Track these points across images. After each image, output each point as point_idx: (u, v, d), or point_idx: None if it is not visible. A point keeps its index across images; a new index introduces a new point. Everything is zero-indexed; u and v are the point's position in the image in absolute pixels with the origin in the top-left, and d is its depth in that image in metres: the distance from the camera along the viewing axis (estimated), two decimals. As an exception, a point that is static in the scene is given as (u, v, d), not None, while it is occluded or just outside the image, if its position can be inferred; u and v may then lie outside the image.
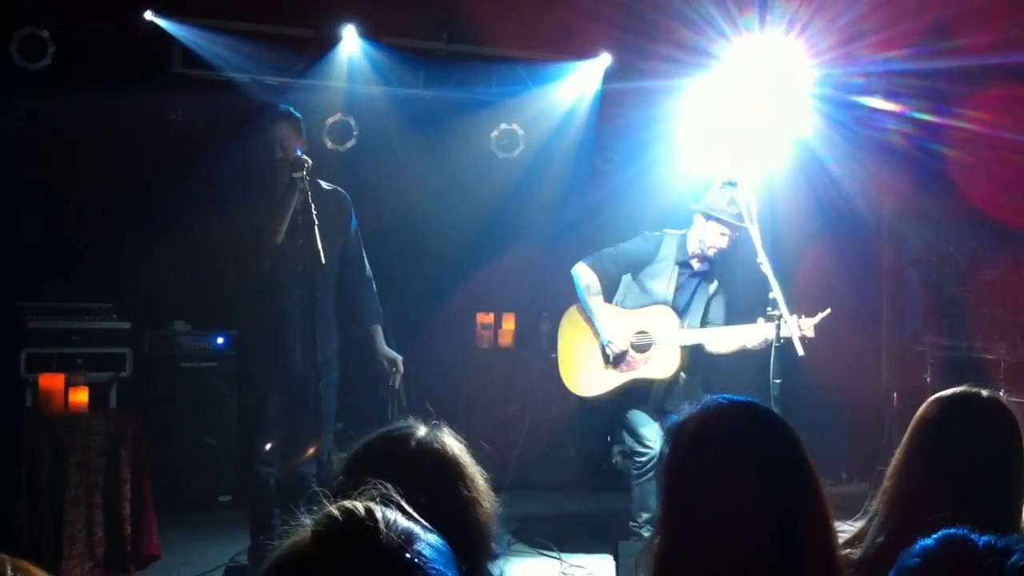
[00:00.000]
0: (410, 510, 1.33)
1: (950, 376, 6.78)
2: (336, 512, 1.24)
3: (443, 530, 1.38)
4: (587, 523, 6.96)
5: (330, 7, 7.11)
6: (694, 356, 5.74)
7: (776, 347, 5.10)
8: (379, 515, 1.24)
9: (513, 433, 7.64)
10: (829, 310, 5.26)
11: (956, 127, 6.50)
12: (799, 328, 5.14)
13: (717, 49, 6.97)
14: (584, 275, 5.81)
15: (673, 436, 1.97)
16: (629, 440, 5.82)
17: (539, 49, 7.73)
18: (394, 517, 1.25)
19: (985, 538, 1.51)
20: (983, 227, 6.54)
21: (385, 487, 1.39)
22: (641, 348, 5.72)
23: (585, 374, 5.83)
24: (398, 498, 1.37)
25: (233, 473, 6.85)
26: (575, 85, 7.90)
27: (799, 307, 5.32)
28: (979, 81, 6.31)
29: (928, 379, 6.78)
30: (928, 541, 1.57)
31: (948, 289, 7.00)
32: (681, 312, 5.73)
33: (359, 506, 1.25)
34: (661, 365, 5.69)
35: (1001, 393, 6.02)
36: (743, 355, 5.70)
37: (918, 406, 2.58)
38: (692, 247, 5.73)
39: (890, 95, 6.82)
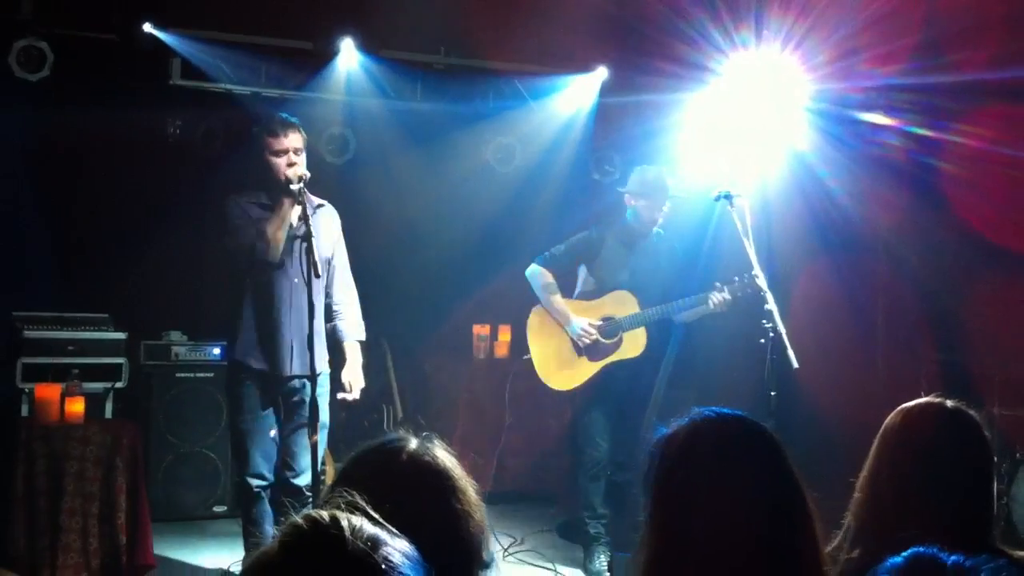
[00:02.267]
0: (377, 516, 1.32)
1: (946, 391, 6.75)
2: (301, 521, 1.24)
3: (434, 542, 1.39)
4: (582, 533, 6.95)
5: (328, 20, 7.13)
6: (661, 334, 6.14)
7: (771, 360, 5.14)
8: (344, 522, 1.24)
9: (508, 443, 7.64)
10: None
11: (952, 143, 6.51)
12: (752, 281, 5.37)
13: (714, 64, 6.99)
14: (540, 275, 6.13)
15: (662, 448, 1.98)
16: (581, 440, 6.12)
17: (536, 63, 7.76)
18: (360, 524, 1.25)
19: (954, 557, 1.52)
20: (978, 242, 6.54)
21: (351, 494, 1.40)
22: (609, 334, 6.01)
23: (562, 369, 6.06)
24: (364, 505, 1.37)
25: (229, 484, 6.86)
26: (572, 99, 7.93)
27: (795, 320, 5.35)
28: (975, 97, 6.32)
29: (923, 393, 6.75)
30: (897, 559, 1.57)
31: (943, 304, 6.99)
32: (640, 288, 6.04)
33: (324, 514, 1.25)
34: (631, 346, 6.01)
35: (995, 410, 6.03)
36: (736, 366, 5.78)
37: (923, 414, 2.57)
38: (632, 226, 6.12)
39: (886, 110, 6.83)
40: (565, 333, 6.04)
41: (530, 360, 6.14)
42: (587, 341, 5.98)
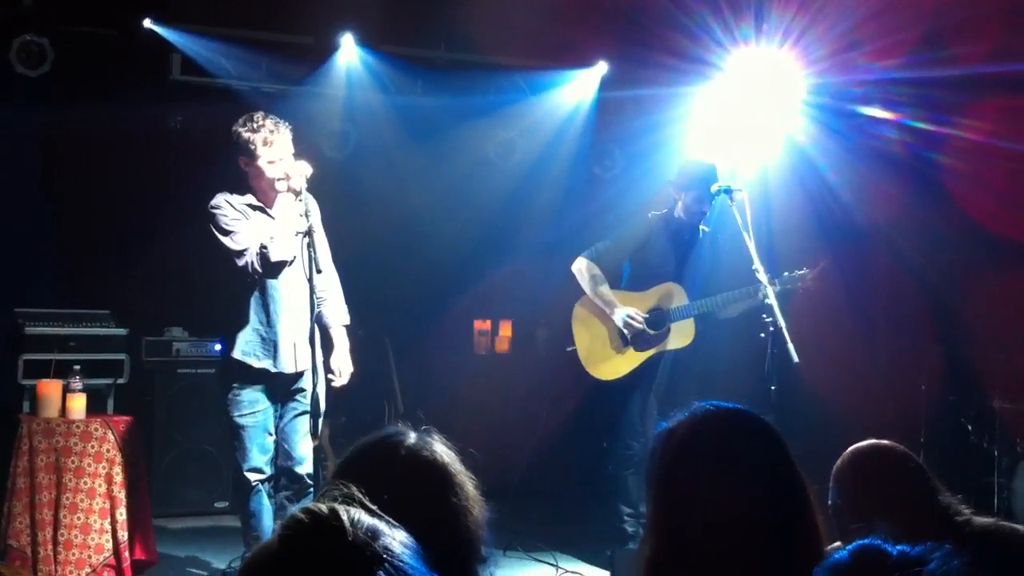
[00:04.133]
0: (373, 507, 1.35)
1: (946, 384, 6.78)
2: (301, 515, 1.26)
3: (432, 536, 1.39)
4: (584, 529, 6.96)
5: (329, 15, 7.13)
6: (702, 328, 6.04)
7: (771, 354, 5.17)
8: (343, 514, 1.26)
9: (510, 439, 7.64)
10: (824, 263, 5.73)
11: (952, 136, 6.51)
12: (804, 278, 5.62)
13: (714, 58, 7.00)
14: (587, 268, 6.06)
15: (663, 442, 1.99)
16: (624, 430, 6.05)
17: (536, 58, 7.76)
18: (358, 515, 1.27)
19: (899, 547, 1.52)
20: (979, 236, 6.54)
21: (347, 487, 1.41)
22: (657, 324, 5.97)
23: (608, 359, 6.03)
24: (360, 496, 1.39)
25: (231, 479, 6.86)
26: (572, 93, 7.94)
27: (795, 314, 5.36)
28: (975, 90, 6.32)
29: (924, 387, 6.78)
30: (842, 553, 1.57)
31: (944, 297, 6.99)
32: (685, 282, 6.01)
33: (323, 507, 1.27)
34: (678, 337, 5.98)
35: (996, 403, 6.05)
36: (737, 360, 5.82)
37: (915, 414, 2.80)
38: (678, 218, 6.05)
39: (886, 104, 6.84)
40: (611, 323, 5.99)
41: (574, 351, 6.10)
42: (634, 328, 5.93)
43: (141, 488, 5.60)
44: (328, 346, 5.25)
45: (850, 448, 2.79)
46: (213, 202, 5.02)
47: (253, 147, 4.95)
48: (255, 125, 4.96)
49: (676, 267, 6.05)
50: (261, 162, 4.95)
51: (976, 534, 2.46)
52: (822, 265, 5.69)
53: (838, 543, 2.52)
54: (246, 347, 5.07)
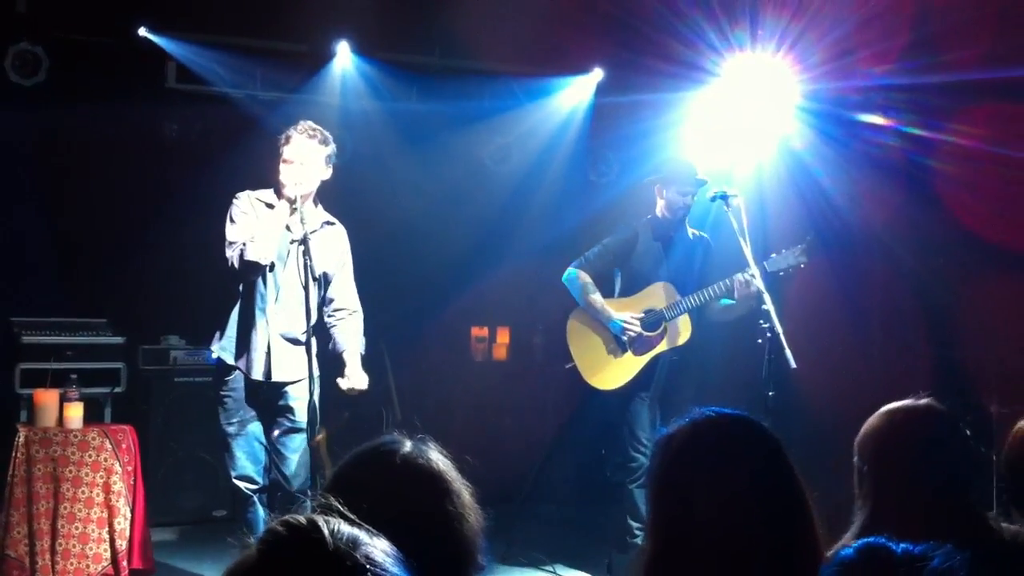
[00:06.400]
0: (353, 517, 1.33)
1: (942, 387, 6.77)
2: (279, 527, 1.24)
3: (429, 545, 1.39)
4: (582, 536, 6.96)
5: (324, 23, 7.13)
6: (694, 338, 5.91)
7: (769, 359, 5.16)
8: (322, 525, 1.24)
9: (507, 446, 7.65)
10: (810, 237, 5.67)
11: (946, 141, 6.53)
12: (795, 258, 5.56)
13: (709, 64, 7.01)
14: (577, 277, 5.98)
15: (662, 447, 2.00)
16: (626, 441, 5.88)
17: (532, 64, 7.77)
18: (337, 525, 1.25)
19: (903, 545, 1.54)
20: (973, 240, 6.55)
21: (325, 497, 1.40)
22: (652, 325, 5.88)
23: (608, 367, 5.93)
24: (340, 506, 1.38)
25: (228, 487, 6.84)
26: (568, 99, 7.95)
27: (792, 319, 5.36)
28: (968, 96, 6.33)
29: (921, 392, 6.77)
30: (847, 551, 1.60)
31: (939, 302, 7.00)
32: (677, 283, 5.91)
33: (301, 519, 1.25)
34: (675, 335, 5.87)
35: (993, 407, 6.06)
36: (734, 366, 5.80)
37: (911, 416, 2.66)
38: (662, 218, 5.97)
39: (881, 110, 6.85)
40: (607, 331, 5.90)
41: (574, 367, 5.98)
42: (631, 334, 5.84)
43: (138, 497, 5.60)
44: (341, 371, 5.17)
45: (886, 407, 2.64)
46: (238, 193, 5.09)
47: (279, 144, 5.04)
48: (291, 126, 5.05)
49: (667, 268, 5.96)
50: (279, 159, 5.01)
51: (1006, 541, 2.41)
52: (809, 239, 5.65)
53: (846, 537, 2.51)
54: (226, 343, 5.07)
